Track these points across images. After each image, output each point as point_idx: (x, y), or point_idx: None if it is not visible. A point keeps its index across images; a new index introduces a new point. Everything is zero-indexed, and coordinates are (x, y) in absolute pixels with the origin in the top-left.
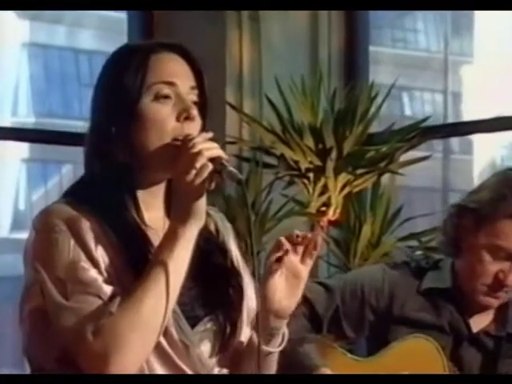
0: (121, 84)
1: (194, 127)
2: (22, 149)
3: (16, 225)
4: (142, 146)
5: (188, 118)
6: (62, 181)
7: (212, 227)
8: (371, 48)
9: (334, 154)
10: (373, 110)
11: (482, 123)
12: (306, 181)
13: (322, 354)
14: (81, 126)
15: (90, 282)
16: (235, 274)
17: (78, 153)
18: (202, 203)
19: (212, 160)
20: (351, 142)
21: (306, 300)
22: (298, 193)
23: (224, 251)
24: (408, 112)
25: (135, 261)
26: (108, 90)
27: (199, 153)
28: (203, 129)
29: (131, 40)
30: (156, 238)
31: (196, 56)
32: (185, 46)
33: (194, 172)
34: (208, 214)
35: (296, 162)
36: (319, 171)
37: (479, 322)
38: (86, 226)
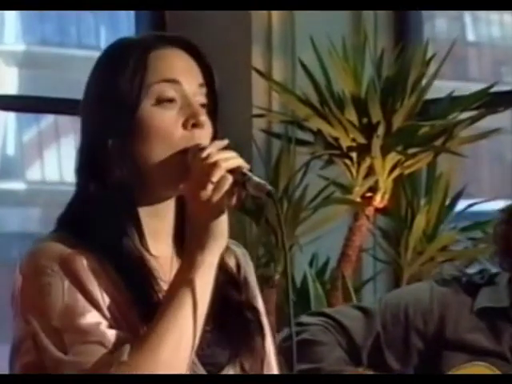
0: (116, 88)
1: (204, 135)
2: (10, 81)
3: (4, 173)
4: (144, 160)
5: (196, 125)
6: (57, 119)
7: (232, 262)
8: None
9: (381, 130)
10: (429, 75)
11: None
12: (348, 161)
13: None
14: (79, 55)
15: (90, 329)
16: (255, 312)
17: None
18: (224, 222)
19: (231, 171)
20: (402, 116)
21: (342, 327)
22: (339, 175)
23: (245, 289)
24: (471, 37)
25: (139, 299)
26: (101, 96)
27: (215, 164)
28: (215, 135)
29: None
30: (163, 270)
31: (204, 51)
32: (189, 39)
33: (210, 187)
34: (227, 248)
35: (336, 139)
36: (364, 150)
37: None
38: (83, 264)
